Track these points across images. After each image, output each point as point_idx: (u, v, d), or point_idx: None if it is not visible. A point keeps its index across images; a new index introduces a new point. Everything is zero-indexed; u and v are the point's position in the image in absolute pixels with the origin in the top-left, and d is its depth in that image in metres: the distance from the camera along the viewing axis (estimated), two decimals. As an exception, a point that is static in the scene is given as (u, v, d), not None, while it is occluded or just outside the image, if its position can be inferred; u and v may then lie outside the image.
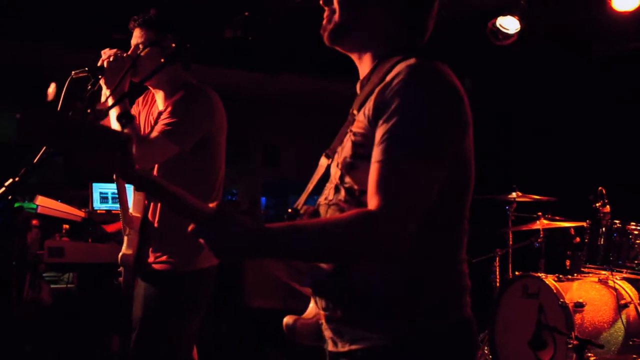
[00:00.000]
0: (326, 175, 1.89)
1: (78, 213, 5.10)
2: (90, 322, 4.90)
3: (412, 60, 1.69)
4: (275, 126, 9.36)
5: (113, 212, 5.33)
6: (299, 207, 1.89)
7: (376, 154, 1.64)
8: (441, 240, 1.73)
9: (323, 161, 1.90)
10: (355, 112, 1.79)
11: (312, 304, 1.91)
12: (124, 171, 1.59)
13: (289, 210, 1.85)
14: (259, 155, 9.91)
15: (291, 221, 1.82)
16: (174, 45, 2.37)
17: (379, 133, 1.65)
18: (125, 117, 1.89)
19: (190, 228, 1.61)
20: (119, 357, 4.96)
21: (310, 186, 1.88)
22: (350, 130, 1.77)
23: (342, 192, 1.76)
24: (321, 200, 1.87)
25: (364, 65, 1.88)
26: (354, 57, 1.91)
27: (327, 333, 1.82)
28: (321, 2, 1.87)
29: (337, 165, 1.80)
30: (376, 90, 1.71)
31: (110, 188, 5.49)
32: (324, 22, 1.87)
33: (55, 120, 1.49)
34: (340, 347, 1.78)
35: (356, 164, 1.73)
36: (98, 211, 5.34)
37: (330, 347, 1.82)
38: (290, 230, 1.66)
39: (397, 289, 1.70)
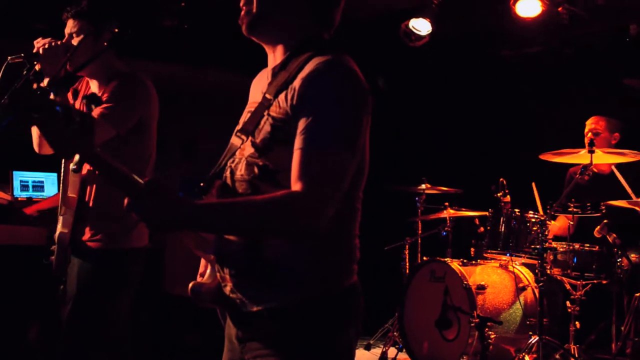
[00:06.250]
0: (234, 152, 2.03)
1: (4, 196, 5.10)
2: (9, 307, 4.83)
3: (327, 57, 1.88)
4: (195, 121, 9.35)
5: (34, 199, 5.33)
6: (209, 180, 2.03)
7: (298, 142, 1.83)
8: (343, 218, 1.94)
9: (235, 140, 2.03)
10: (269, 96, 1.96)
11: (210, 269, 2.07)
12: (88, 151, 1.76)
13: (201, 184, 2.00)
14: (177, 151, 9.88)
15: (204, 194, 1.99)
16: (116, 30, 2.51)
17: (301, 124, 1.83)
18: (93, 100, 1.96)
19: (125, 203, 1.77)
20: (36, 345, 4.93)
21: (223, 162, 2.03)
22: (268, 114, 1.93)
23: (256, 170, 1.92)
24: (228, 173, 2.01)
25: (277, 54, 2.05)
26: (267, 47, 2.08)
27: (234, 296, 1.97)
28: None
29: (252, 144, 1.95)
30: (295, 82, 1.89)
31: (31, 177, 5.48)
32: (242, 12, 2.03)
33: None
34: (249, 308, 1.94)
35: (273, 147, 1.90)
36: (19, 199, 5.34)
37: (237, 309, 1.97)
38: (221, 206, 1.85)
39: (304, 258, 1.91)
